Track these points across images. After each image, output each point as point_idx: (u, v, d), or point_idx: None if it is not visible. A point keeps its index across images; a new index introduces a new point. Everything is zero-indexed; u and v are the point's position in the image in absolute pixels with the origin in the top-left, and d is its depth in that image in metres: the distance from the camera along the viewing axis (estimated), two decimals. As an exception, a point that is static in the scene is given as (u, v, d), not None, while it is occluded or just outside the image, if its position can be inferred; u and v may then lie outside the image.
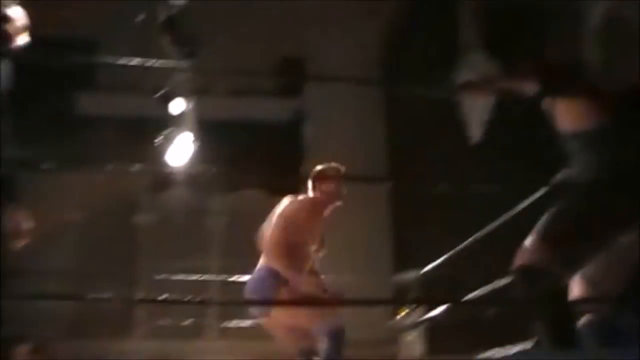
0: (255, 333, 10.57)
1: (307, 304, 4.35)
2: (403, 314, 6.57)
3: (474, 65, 11.41)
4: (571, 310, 2.72)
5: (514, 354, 2.97)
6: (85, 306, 9.18)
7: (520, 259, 2.67)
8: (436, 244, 6.86)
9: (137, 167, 3.06)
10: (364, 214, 11.67)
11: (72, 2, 11.51)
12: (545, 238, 2.65)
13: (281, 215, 4.60)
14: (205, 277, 9.80)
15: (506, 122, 6.78)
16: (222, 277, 9.99)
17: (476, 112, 10.56)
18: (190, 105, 7.34)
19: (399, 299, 6.96)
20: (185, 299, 2.65)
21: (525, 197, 4.54)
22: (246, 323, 9.01)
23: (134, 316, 10.90)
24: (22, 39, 3.58)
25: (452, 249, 5.96)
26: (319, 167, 4.78)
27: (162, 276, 9.30)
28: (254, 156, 10.70)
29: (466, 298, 4.84)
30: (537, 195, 4.23)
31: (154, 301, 3.37)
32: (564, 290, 2.70)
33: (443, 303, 4.82)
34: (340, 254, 11.07)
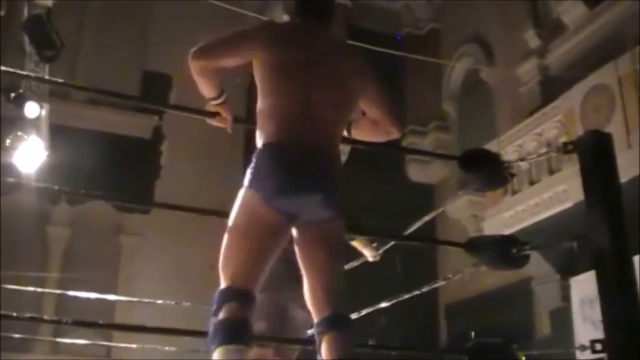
0: (88, 351, 10.29)
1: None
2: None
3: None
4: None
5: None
6: None
7: None
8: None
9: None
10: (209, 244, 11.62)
11: None
12: None
13: None
14: (41, 289, 9.40)
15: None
16: (58, 291, 9.63)
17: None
18: (45, 110, 7.08)
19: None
20: (16, 314, 2.51)
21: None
22: (80, 340, 8.71)
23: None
24: None
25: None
26: None
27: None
28: (106, 169, 10.46)
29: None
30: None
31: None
32: None
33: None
34: (183, 282, 10.99)
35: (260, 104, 2.51)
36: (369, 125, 2.71)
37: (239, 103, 12.94)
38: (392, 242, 3.78)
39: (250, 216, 2.38)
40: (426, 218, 3.60)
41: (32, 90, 6.70)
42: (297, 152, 2.38)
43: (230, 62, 2.55)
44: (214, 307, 2.30)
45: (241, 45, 2.55)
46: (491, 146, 9.12)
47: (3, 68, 2.67)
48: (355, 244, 3.91)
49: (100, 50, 12.06)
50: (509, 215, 9.79)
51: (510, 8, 11.96)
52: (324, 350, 2.34)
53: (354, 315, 3.11)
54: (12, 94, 6.45)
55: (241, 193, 2.43)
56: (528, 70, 11.58)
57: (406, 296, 3.86)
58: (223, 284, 2.35)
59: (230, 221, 2.42)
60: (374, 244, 3.94)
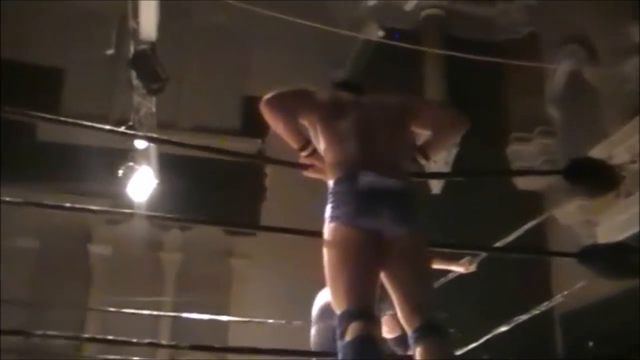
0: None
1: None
2: None
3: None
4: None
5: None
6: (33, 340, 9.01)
7: None
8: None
9: (96, 202, 3.12)
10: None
11: (40, 29, 11.53)
12: None
13: None
14: (157, 313, 9.72)
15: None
16: (172, 314, 9.94)
17: (436, 165, 10.77)
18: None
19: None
20: (135, 340, 2.63)
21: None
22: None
23: (82, 350, 10.74)
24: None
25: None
26: None
27: (114, 309, 9.21)
28: (213, 193, 10.73)
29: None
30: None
31: (102, 340, 3.33)
32: None
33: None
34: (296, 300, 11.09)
35: (325, 158, 2.75)
36: (435, 136, 2.90)
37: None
38: (485, 254, 3.73)
39: (340, 241, 2.50)
40: (527, 226, 3.58)
41: (141, 122, 6.99)
42: (364, 180, 2.56)
43: (298, 110, 2.81)
44: (338, 331, 2.35)
45: (307, 97, 2.84)
46: (600, 148, 8.83)
47: (108, 127, 2.81)
48: (438, 265, 3.83)
49: (202, 77, 12.42)
50: (623, 219, 9.44)
51: (611, 3, 11.57)
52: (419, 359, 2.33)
53: (473, 344, 3.05)
54: (123, 127, 6.75)
55: (325, 227, 2.58)
56: (634, 66, 11.15)
57: (524, 317, 3.79)
58: (339, 310, 2.41)
59: (325, 255, 2.55)
60: (464, 259, 3.90)
